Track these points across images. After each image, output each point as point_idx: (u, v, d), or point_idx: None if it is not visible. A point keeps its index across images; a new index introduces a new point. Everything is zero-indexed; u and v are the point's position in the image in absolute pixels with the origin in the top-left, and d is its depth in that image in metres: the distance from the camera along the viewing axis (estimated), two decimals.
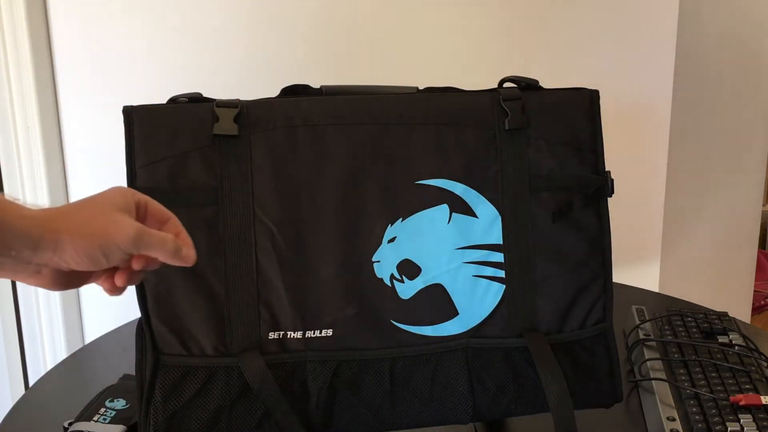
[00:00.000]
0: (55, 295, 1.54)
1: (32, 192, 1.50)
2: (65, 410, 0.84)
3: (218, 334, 0.72)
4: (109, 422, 0.80)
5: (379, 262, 0.74)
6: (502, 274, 0.76)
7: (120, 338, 1.06)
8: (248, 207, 0.73)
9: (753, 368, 0.89)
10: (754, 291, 2.11)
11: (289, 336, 0.73)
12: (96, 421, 0.80)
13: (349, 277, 0.73)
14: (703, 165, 1.55)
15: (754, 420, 0.77)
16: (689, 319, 1.03)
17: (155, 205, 0.60)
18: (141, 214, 0.58)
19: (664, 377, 0.88)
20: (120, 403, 0.84)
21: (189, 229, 0.71)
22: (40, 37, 1.43)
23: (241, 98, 0.75)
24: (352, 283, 0.73)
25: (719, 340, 0.97)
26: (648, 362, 0.92)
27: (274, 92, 0.78)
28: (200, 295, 0.72)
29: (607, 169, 0.78)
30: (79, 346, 1.38)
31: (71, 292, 1.55)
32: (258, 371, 0.70)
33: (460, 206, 0.75)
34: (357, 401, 0.73)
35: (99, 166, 1.38)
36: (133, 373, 0.72)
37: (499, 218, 0.76)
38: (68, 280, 0.57)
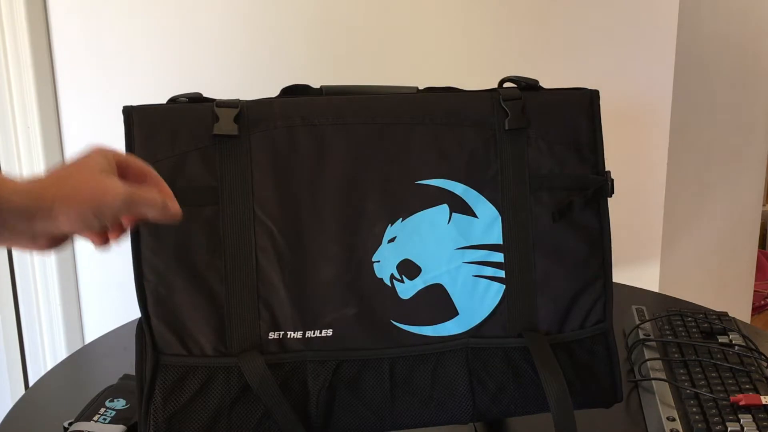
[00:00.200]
0: (55, 295, 1.54)
1: None
2: (65, 410, 0.84)
3: (218, 334, 0.72)
4: (109, 422, 0.80)
5: (379, 262, 0.74)
6: (502, 274, 0.76)
7: (120, 338, 1.07)
8: (248, 207, 0.73)
9: (753, 368, 0.89)
10: (754, 291, 2.11)
11: (289, 336, 0.73)
12: (96, 421, 0.80)
13: (349, 277, 0.73)
14: (703, 165, 1.55)
15: (754, 420, 0.77)
16: (689, 319, 1.03)
17: (135, 162, 0.63)
18: (122, 172, 0.61)
19: (664, 377, 0.88)
20: (120, 403, 0.84)
21: (189, 229, 0.72)
22: (40, 36, 1.43)
23: (241, 98, 0.75)
24: (352, 283, 0.73)
25: (719, 340, 0.97)
26: (648, 362, 0.92)
27: (274, 92, 0.78)
28: (200, 295, 0.72)
29: (607, 169, 0.78)
30: (79, 346, 1.38)
31: (71, 291, 1.55)
32: (258, 371, 0.70)
33: (460, 206, 0.75)
34: (357, 401, 0.73)
35: None
36: (133, 373, 0.72)
37: (499, 218, 0.76)
38: (61, 239, 0.60)
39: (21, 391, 1.59)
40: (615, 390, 0.78)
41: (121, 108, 0.73)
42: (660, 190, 1.40)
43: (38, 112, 1.42)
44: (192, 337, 0.71)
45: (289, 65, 1.38)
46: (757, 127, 1.78)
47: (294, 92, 0.78)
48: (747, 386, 0.84)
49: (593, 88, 0.79)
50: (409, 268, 0.74)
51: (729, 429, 0.76)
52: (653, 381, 0.88)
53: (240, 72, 1.39)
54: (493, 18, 1.36)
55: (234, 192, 0.72)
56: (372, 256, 0.74)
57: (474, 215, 0.75)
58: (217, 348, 0.72)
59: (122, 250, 0.70)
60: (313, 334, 0.73)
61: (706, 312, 1.06)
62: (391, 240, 0.74)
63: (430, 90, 0.81)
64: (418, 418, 0.75)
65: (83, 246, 1.55)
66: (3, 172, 0.55)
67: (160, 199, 0.60)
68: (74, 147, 1.44)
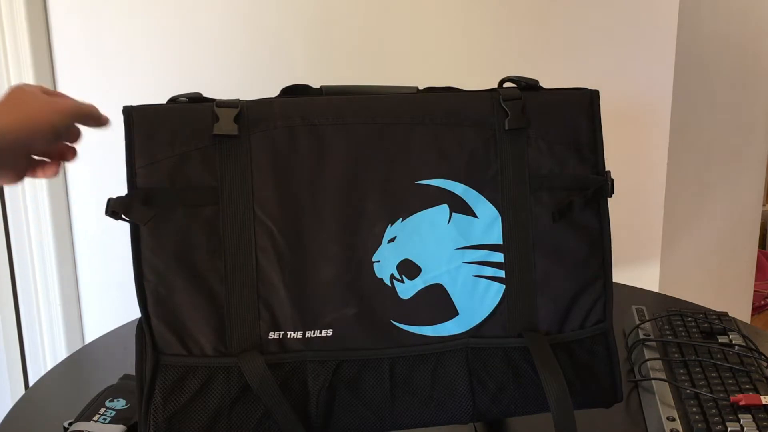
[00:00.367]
0: (55, 295, 1.54)
1: (32, 191, 1.51)
2: (65, 410, 0.84)
3: (218, 334, 0.72)
4: (109, 422, 0.80)
5: (379, 262, 0.74)
6: (502, 274, 0.76)
7: (120, 338, 1.07)
8: (248, 207, 0.73)
9: (753, 368, 0.89)
10: (754, 291, 2.11)
11: (289, 336, 0.73)
12: (96, 421, 0.80)
13: (349, 277, 0.73)
14: (703, 165, 1.55)
15: (754, 420, 0.77)
16: (689, 319, 1.03)
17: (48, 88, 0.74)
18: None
19: (664, 377, 0.88)
20: (120, 403, 0.84)
21: (189, 229, 0.72)
22: (40, 36, 1.43)
23: (241, 98, 0.75)
24: (352, 283, 0.73)
25: (719, 340, 0.97)
26: (648, 362, 0.92)
27: (274, 92, 0.78)
28: (200, 295, 0.72)
29: (607, 169, 0.78)
30: (79, 346, 1.39)
31: (71, 291, 1.55)
32: (258, 371, 0.70)
33: (460, 206, 0.75)
34: (357, 401, 0.73)
35: (99, 166, 1.38)
36: (133, 373, 0.72)
37: (499, 218, 0.76)
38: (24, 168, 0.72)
39: (21, 391, 1.59)
40: (615, 390, 0.78)
41: (121, 108, 0.73)
42: (660, 190, 1.40)
43: None
44: (192, 337, 0.71)
45: (289, 65, 1.38)
46: (757, 127, 1.78)
47: (294, 92, 0.78)
48: (747, 386, 0.84)
49: (593, 88, 0.79)
50: (409, 268, 0.74)
51: (729, 429, 0.77)
52: (653, 381, 0.88)
53: (240, 72, 1.39)
54: (493, 18, 1.36)
55: (234, 192, 0.72)
56: (372, 256, 0.74)
57: (474, 215, 0.75)
58: (217, 348, 0.72)
59: (122, 250, 0.70)
60: (313, 334, 0.73)
61: (706, 312, 1.06)
62: (391, 240, 0.74)
63: (430, 90, 0.81)
64: (418, 418, 0.75)
65: (83, 246, 1.55)
66: None
67: (95, 108, 0.74)
68: None
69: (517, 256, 0.76)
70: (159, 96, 0.77)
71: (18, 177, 0.72)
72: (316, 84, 0.80)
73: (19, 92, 0.69)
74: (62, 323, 1.55)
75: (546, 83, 0.80)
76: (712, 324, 1.01)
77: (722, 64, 1.54)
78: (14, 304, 1.57)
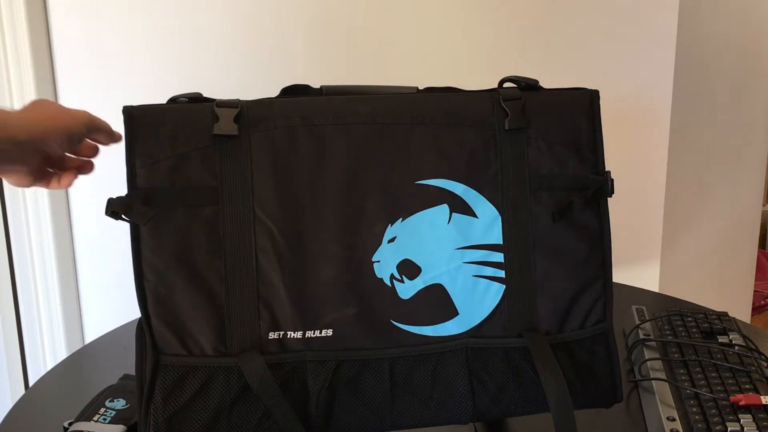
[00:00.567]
0: (56, 295, 1.54)
1: (32, 191, 1.51)
2: (65, 410, 0.84)
3: (218, 334, 0.72)
4: (109, 422, 0.80)
5: (379, 262, 0.74)
6: (502, 274, 0.76)
7: (120, 338, 1.07)
8: (248, 207, 0.73)
9: (753, 368, 0.89)
10: (754, 291, 2.11)
11: (289, 336, 0.73)
12: (96, 421, 0.80)
13: (349, 277, 0.73)
14: (703, 165, 1.55)
15: (754, 420, 0.77)
16: (689, 319, 1.03)
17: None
18: None
19: (664, 377, 0.88)
20: (120, 403, 0.84)
21: (189, 229, 0.72)
22: (40, 36, 1.43)
23: (241, 98, 0.75)
24: (352, 283, 0.73)
25: (719, 340, 0.97)
26: (648, 362, 0.92)
27: (274, 92, 0.78)
28: (200, 295, 0.72)
29: (607, 169, 0.78)
30: (79, 346, 1.38)
31: (71, 291, 1.55)
32: (258, 371, 0.70)
33: (460, 206, 0.75)
34: (357, 401, 0.73)
35: (99, 165, 1.38)
36: (133, 373, 0.72)
37: (499, 218, 0.76)
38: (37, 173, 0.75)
39: (21, 391, 1.59)
40: (615, 390, 0.78)
41: (121, 108, 0.73)
42: (660, 190, 1.40)
43: None
44: (192, 337, 0.71)
45: (289, 65, 1.38)
46: (757, 127, 1.78)
47: (294, 92, 0.78)
48: (747, 386, 0.84)
49: (593, 88, 0.79)
50: (409, 268, 0.74)
51: (729, 429, 0.77)
52: (653, 381, 0.88)
53: (240, 72, 1.39)
54: (493, 18, 1.36)
55: (234, 192, 0.72)
56: (372, 256, 0.74)
57: (474, 215, 0.75)
58: (217, 348, 0.72)
59: (122, 250, 0.70)
60: (313, 334, 0.73)
61: (706, 312, 1.06)
62: (391, 240, 0.74)
63: (430, 90, 0.81)
64: (418, 418, 0.75)
65: (83, 246, 1.55)
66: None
67: (108, 124, 0.77)
68: None
69: (517, 256, 0.76)
70: (159, 96, 0.77)
71: (30, 177, 0.74)
72: (316, 84, 0.80)
73: (39, 101, 0.74)
74: (62, 323, 1.55)
75: (546, 83, 0.80)
76: (712, 324, 1.01)
77: (722, 64, 1.55)
78: (14, 304, 1.57)
